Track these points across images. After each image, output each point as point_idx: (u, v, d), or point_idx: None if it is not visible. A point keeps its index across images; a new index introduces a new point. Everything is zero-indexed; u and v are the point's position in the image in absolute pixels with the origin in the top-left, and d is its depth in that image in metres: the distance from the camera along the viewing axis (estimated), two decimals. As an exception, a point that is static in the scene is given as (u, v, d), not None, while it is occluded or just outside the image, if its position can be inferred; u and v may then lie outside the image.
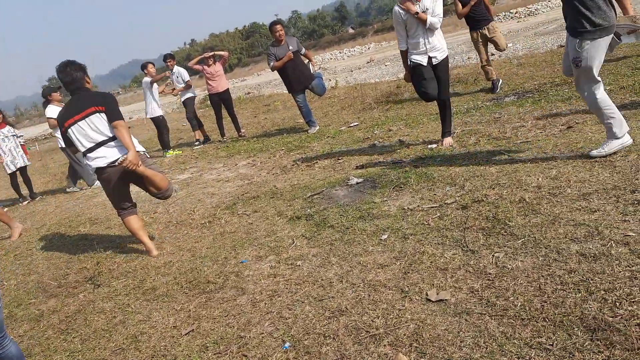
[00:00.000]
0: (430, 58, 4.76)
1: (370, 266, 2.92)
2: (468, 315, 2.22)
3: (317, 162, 5.77)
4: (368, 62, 22.93)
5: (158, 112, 9.11)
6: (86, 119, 3.77)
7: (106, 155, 3.81)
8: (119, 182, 3.94)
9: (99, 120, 3.79)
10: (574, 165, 3.57)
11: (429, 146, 5.14)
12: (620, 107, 3.92)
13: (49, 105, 7.39)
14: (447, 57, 4.86)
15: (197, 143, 9.68)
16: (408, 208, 3.62)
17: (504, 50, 7.61)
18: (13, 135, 7.82)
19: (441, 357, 2.00)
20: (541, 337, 1.96)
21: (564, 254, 2.48)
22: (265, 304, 2.81)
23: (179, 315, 2.93)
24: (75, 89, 3.89)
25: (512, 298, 2.25)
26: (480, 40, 7.29)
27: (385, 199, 3.95)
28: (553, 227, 2.77)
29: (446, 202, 3.55)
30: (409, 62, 4.86)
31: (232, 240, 3.91)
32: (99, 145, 3.81)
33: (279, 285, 3.00)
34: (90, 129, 3.78)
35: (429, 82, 4.77)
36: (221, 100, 9.36)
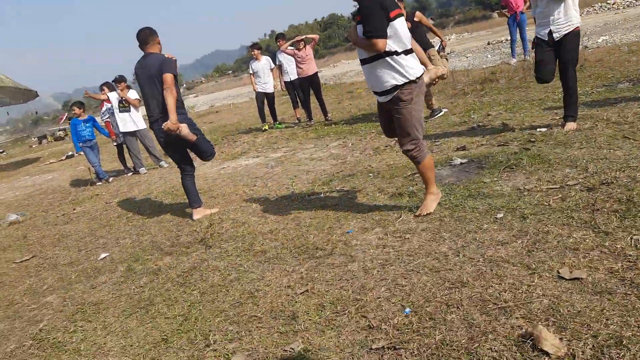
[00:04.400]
0: (551, 33, 4.48)
1: (487, 243, 2.82)
2: (610, 294, 2.07)
3: (413, 143, 5.66)
4: (448, 54, 22.19)
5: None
6: None
7: None
8: None
9: None
10: None
11: (538, 130, 4.87)
12: None
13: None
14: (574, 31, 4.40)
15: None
16: (524, 188, 3.46)
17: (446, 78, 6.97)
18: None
19: (585, 332, 1.88)
20: None
21: None
22: (378, 271, 2.80)
23: (292, 276, 3.00)
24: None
25: (661, 280, 2.08)
26: None
27: (495, 179, 3.80)
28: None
29: (568, 183, 3.35)
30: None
31: (335, 212, 3.94)
32: None
33: (389, 255, 2.97)
34: None
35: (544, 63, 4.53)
36: (310, 84, 9.47)
